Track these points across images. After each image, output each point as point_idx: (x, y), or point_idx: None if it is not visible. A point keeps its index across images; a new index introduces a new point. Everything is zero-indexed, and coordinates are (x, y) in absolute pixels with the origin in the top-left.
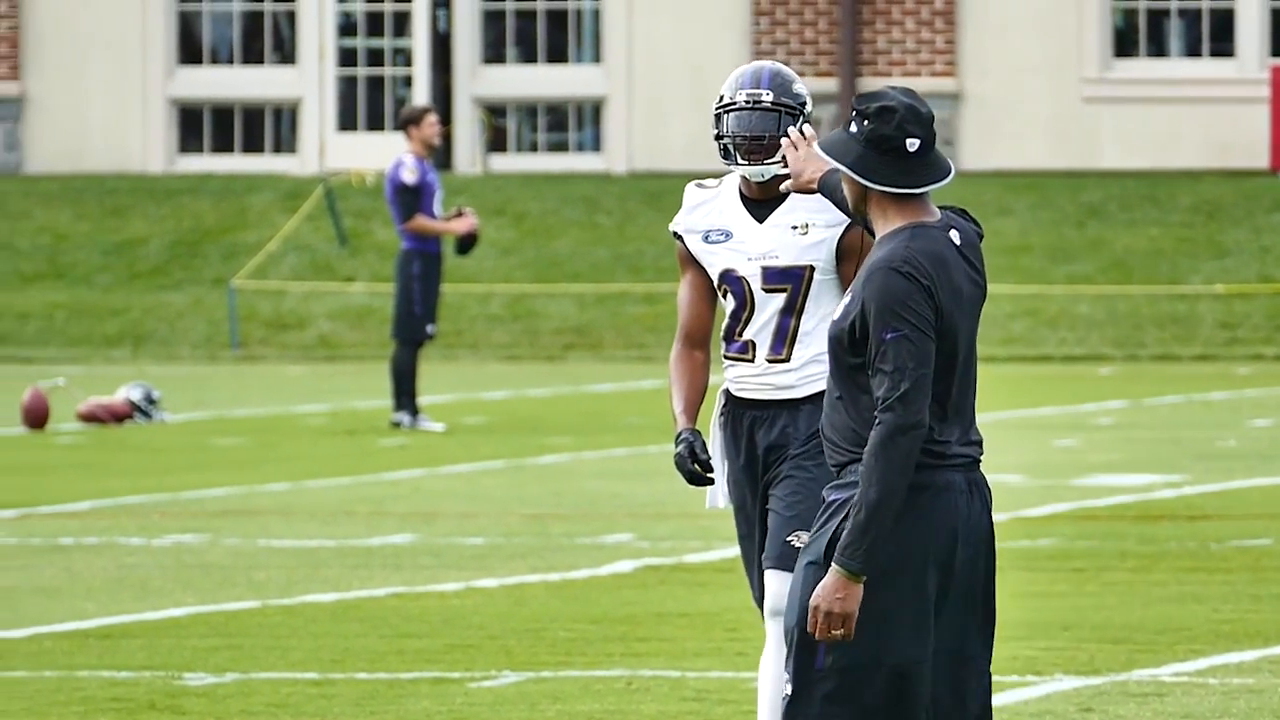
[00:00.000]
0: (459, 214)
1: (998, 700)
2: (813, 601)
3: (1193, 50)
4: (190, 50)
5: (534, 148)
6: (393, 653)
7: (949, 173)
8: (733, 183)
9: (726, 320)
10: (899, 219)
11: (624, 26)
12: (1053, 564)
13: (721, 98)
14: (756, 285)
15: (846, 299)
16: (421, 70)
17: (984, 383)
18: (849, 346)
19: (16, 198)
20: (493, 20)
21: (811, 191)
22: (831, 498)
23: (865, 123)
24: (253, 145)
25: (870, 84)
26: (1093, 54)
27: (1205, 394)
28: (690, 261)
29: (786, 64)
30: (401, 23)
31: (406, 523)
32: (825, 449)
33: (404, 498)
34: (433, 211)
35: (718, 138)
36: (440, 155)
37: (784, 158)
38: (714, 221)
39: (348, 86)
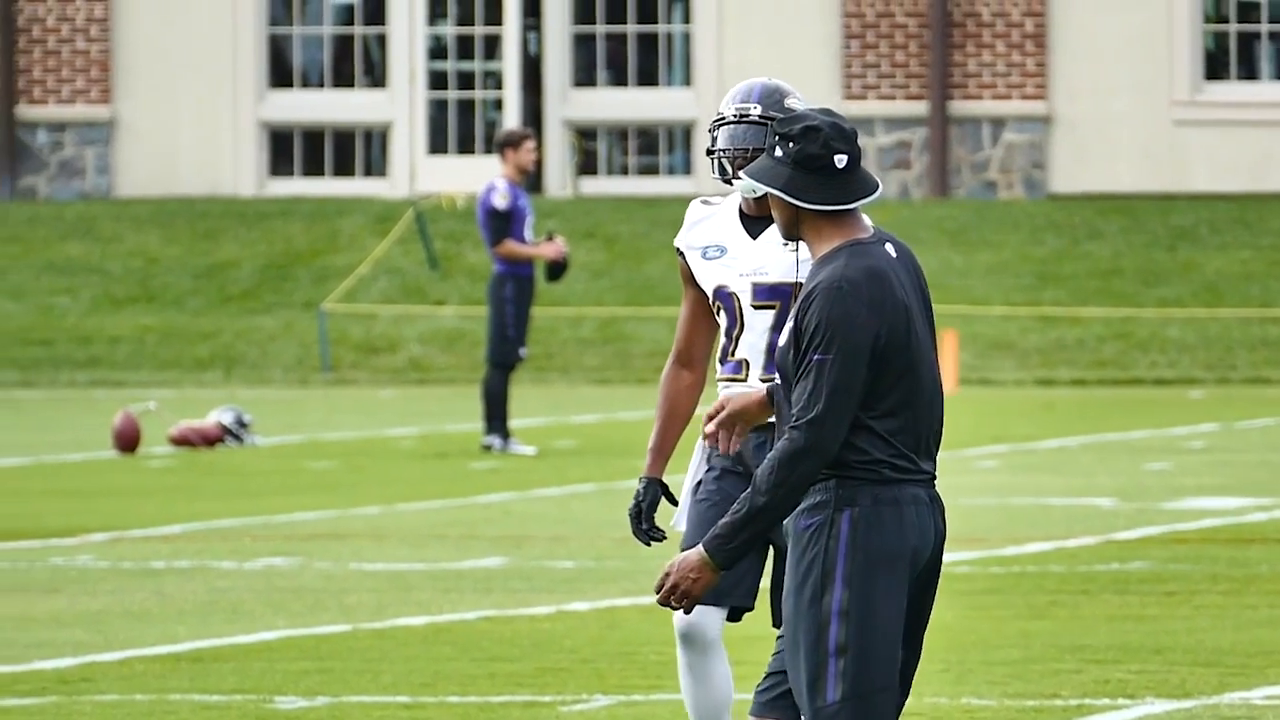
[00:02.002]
0: (550, 239)
1: None
2: (668, 566)
3: None
4: (281, 73)
5: (624, 171)
6: (484, 676)
7: (877, 188)
8: (735, 200)
9: (721, 340)
10: (835, 237)
11: (714, 49)
12: (1144, 587)
13: (718, 114)
14: (746, 301)
15: (789, 323)
16: (512, 93)
17: (1075, 406)
18: (795, 373)
19: (108, 221)
20: (583, 43)
21: (751, 417)
22: (802, 525)
23: (790, 144)
24: (343, 168)
25: (961, 107)
26: (1183, 77)
27: None
28: (690, 280)
29: (876, 87)
30: (492, 46)
31: (497, 546)
32: None
33: (495, 521)
34: (523, 236)
35: (709, 153)
36: (531, 178)
37: None
38: (711, 238)
39: (438, 110)
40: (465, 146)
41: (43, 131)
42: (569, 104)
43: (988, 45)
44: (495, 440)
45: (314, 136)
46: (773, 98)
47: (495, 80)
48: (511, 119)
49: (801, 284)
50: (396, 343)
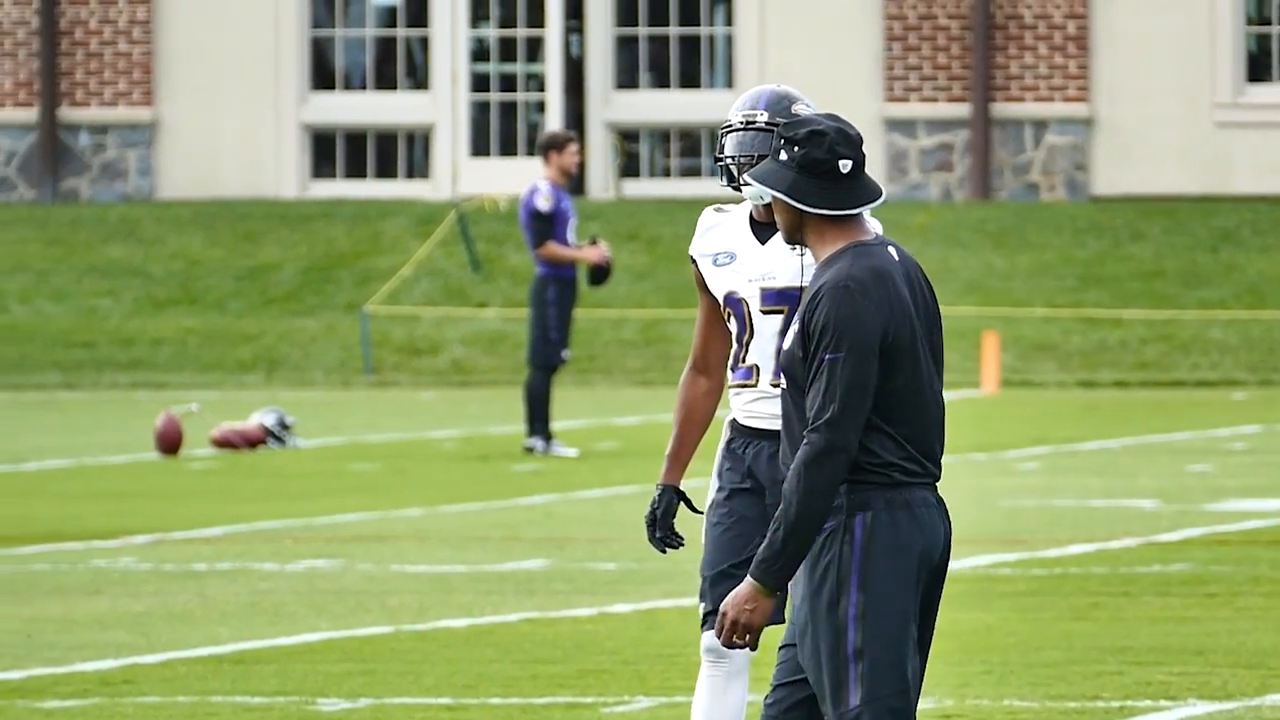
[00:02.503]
0: (593, 244)
1: None
2: (723, 607)
3: None
4: (323, 76)
5: (667, 173)
6: (526, 678)
7: (880, 194)
8: (746, 207)
9: (734, 347)
10: (838, 241)
11: (756, 52)
12: (1186, 589)
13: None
14: (755, 307)
15: (795, 325)
16: (554, 95)
17: (1117, 408)
18: (804, 374)
19: (150, 223)
20: (625, 45)
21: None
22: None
23: (795, 149)
24: (386, 171)
25: (1003, 109)
26: (1225, 79)
27: None
28: (703, 287)
29: (919, 89)
30: (534, 48)
31: (539, 548)
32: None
33: (537, 523)
34: (566, 238)
35: (716, 160)
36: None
37: None
38: (722, 244)
39: (480, 112)
40: (507, 149)
41: (85, 134)
42: (611, 106)
43: (1030, 47)
44: (538, 442)
45: (356, 138)
46: (780, 104)
47: (537, 82)
48: (554, 121)
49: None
50: (439, 345)
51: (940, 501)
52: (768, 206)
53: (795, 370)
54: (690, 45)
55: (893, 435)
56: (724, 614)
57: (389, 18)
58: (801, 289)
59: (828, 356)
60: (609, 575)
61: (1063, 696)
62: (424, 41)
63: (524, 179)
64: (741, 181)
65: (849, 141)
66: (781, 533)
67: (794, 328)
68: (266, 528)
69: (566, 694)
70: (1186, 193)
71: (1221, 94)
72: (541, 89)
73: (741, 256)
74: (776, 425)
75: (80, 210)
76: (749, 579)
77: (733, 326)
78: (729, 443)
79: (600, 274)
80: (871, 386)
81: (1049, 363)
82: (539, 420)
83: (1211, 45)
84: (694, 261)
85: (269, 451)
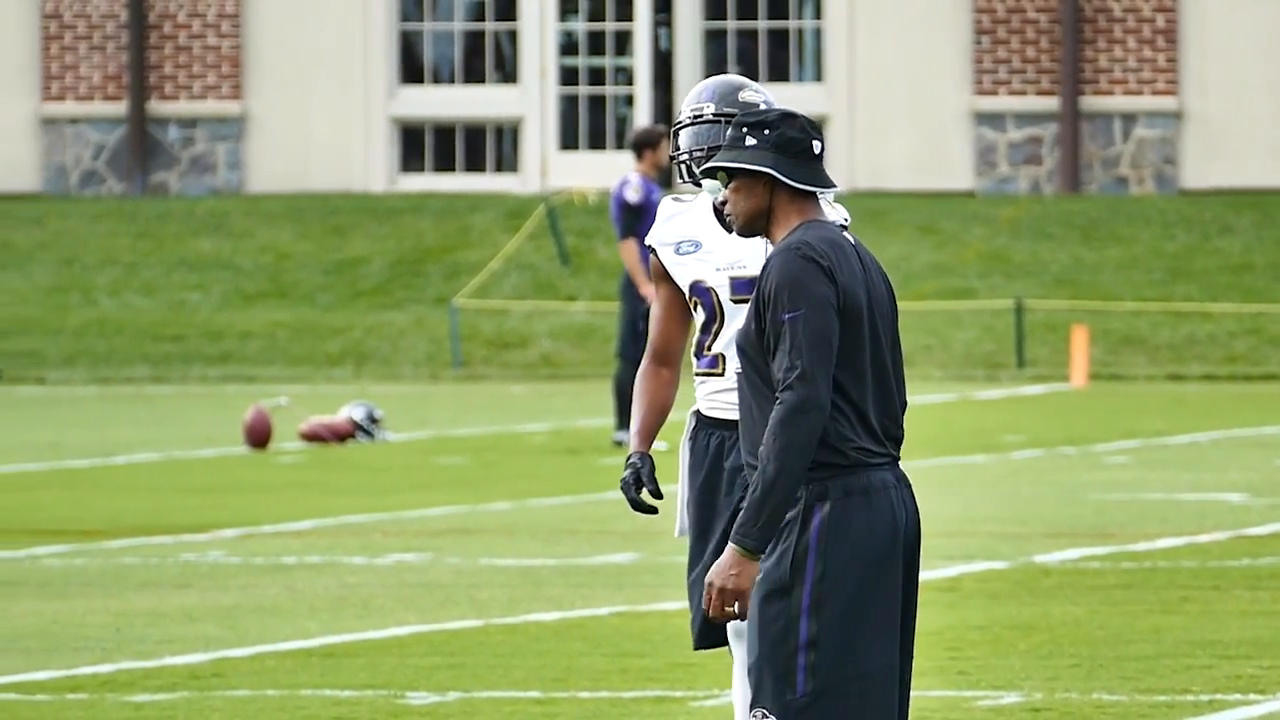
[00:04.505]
0: None
1: (1220, 718)
2: (709, 578)
3: None
4: (412, 69)
5: None
6: (615, 671)
7: (834, 184)
8: (707, 197)
9: (697, 334)
10: (798, 223)
11: (845, 45)
12: (1275, 582)
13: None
14: (725, 296)
15: (750, 305)
16: (643, 89)
17: (1206, 402)
18: (759, 347)
19: (239, 217)
20: (714, 39)
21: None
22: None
23: (766, 131)
24: (474, 164)
25: (1092, 102)
26: None
27: None
28: (664, 277)
29: (1007, 82)
30: (623, 41)
31: (629, 541)
32: (748, 473)
33: (626, 516)
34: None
35: (672, 159)
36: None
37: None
38: (685, 233)
39: (569, 105)
40: (596, 142)
41: (174, 127)
42: None
43: (1119, 40)
44: (624, 435)
45: (445, 132)
46: (727, 93)
47: (626, 76)
48: (643, 115)
49: None
50: (528, 338)
51: (901, 479)
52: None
53: (749, 346)
54: (779, 39)
55: (849, 413)
56: (710, 584)
57: (477, 11)
58: None
59: (787, 316)
60: None
61: (1152, 690)
62: (512, 35)
63: (612, 173)
64: (701, 175)
65: (814, 124)
66: (759, 493)
67: (749, 307)
68: (355, 521)
69: (656, 688)
70: (1276, 185)
71: None
72: (630, 83)
73: (708, 245)
74: (738, 416)
75: (169, 204)
76: (730, 544)
77: (699, 315)
78: (693, 436)
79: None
80: (834, 340)
81: (1138, 356)
82: (628, 413)
83: None
84: (653, 251)
85: (357, 445)
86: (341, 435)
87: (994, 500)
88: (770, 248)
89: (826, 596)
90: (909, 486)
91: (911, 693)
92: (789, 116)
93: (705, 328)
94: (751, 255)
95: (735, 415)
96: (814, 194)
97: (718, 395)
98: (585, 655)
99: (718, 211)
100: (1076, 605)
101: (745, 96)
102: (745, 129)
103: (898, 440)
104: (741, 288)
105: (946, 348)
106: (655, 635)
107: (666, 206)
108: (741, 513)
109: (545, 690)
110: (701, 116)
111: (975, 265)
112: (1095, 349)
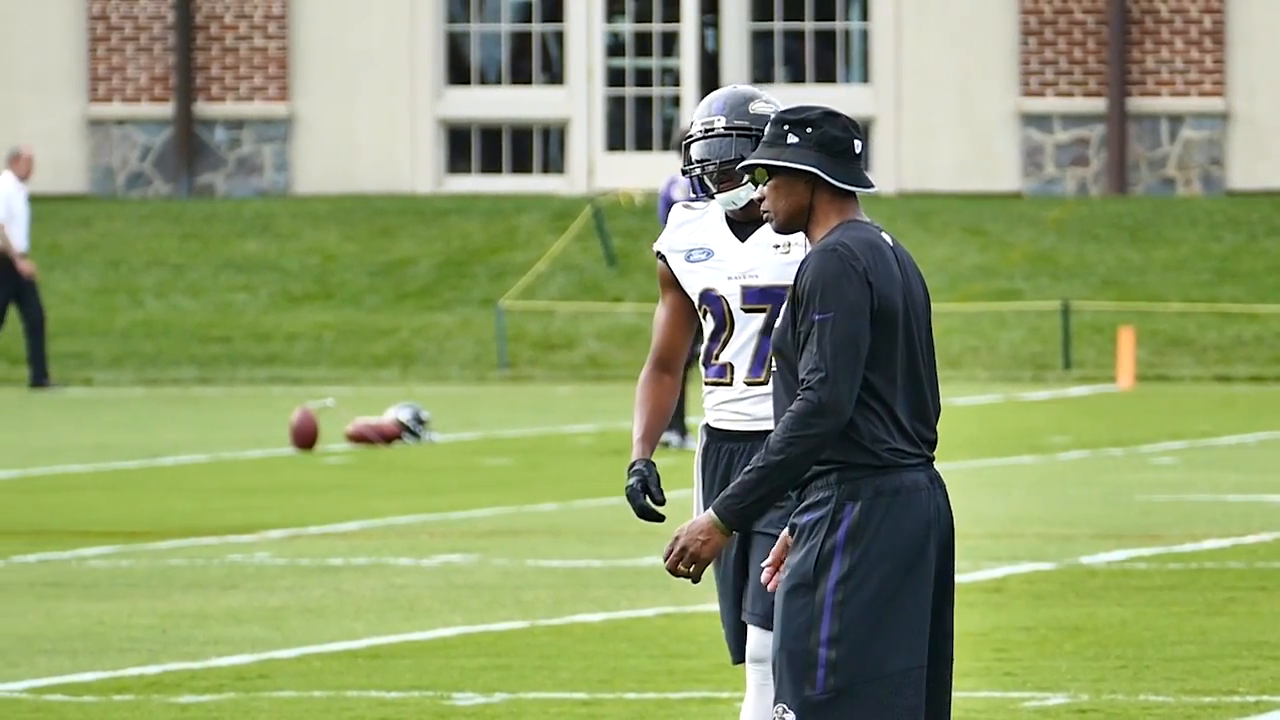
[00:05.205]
0: None
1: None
2: (676, 532)
3: None
4: (458, 71)
5: None
6: (662, 673)
7: (872, 184)
8: (718, 206)
9: (706, 343)
10: (837, 223)
11: (892, 47)
12: None
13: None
14: (736, 305)
15: (786, 305)
16: (690, 90)
17: (1253, 403)
18: (794, 348)
19: (285, 218)
20: (761, 40)
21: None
22: (804, 520)
23: (809, 130)
24: (521, 165)
25: (1139, 104)
26: None
27: None
28: (671, 284)
29: (1054, 84)
30: (670, 43)
31: None
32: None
33: (672, 518)
34: None
35: (684, 172)
36: None
37: (753, 185)
38: (697, 240)
39: (616, 106)
40: (643, 143)
41: (220, 129)
42: None
43: (1166, 42)
44: (673, 437)
45: (492, 133)
46: (737, 105)
47: (673, 77)
48: (689, 116)
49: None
50: (574, 339)
51: (935, 481)
52: (744, 208)
53: (785, 347)
54: (826, 40)
55: (882, 414)
56: (676, 538)
57: (525, 12)
58: (785, 288)
59: (817, 317)
60: None
61: (1198, 691)
62: (559, 36)
63: (659, 174)
64: (718, 189)
65: (855, 124)
66: (755, 475)
67: (784, 308)
68: (401, 522)
69: (703, 689)
70: None
71: None
72: (677, 84)
73: (720, 253)
74: (750, 427)
75: (216, 205)
76: (710, 511)
77: (708, 323)
78: (704, 452)
79: None
80: (864, 347)
81: (1185, 357)
82: (674, 415)
83: None
84: (662, 257)
85: (404, 446)
86: (388, 436)
87: (1040, 501)
88: (791, 259)
89: (851, 594)
90: (943, 488)
91: (956, 694)
92: (831, 115)
93: (714, 336)
94: (764, 265)
95: (743, 427)
96: (854, 194)
97: (725, 406)
98: (631, 656)
99: (729, 218)
100: (1123, 606)
101: (756, 108)
102: (787, 126)
103: (931, 443)
104: (753, 297)
105: (993, 349)
106: (701, 636)
107: (678, 213)
108: (732, 485)
109: (591, 691)
110: (713, 130)
111: (1022, 266)
112: (1142, 350)
